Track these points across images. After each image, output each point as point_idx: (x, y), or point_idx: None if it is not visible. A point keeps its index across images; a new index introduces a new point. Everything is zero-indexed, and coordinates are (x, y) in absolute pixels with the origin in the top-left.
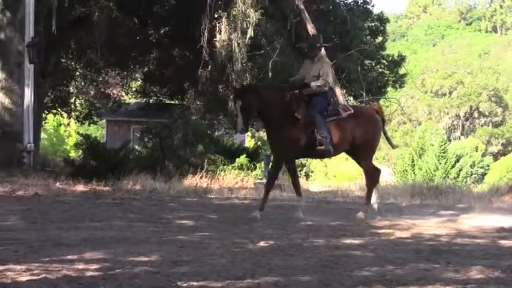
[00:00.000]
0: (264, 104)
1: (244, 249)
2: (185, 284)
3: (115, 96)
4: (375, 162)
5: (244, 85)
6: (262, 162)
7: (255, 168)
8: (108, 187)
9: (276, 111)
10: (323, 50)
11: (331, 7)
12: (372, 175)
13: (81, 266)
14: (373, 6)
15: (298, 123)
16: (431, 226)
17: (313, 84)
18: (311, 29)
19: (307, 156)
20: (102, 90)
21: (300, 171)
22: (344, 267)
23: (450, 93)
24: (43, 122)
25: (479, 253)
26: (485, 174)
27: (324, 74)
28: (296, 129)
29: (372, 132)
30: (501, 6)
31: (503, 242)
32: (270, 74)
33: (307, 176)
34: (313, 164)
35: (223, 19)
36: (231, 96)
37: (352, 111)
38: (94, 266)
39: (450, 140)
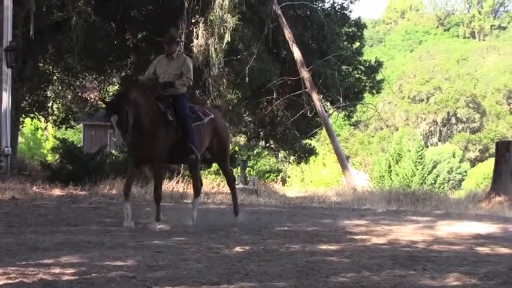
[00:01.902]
0: (138, 111)
1: (220, 255)
2: None
3: (92, 100)
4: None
5: (117, 97)
6: (239, 168)
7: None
8: (84, 191)
9: (150, 116)
10: None
11: (308, 12)
12: (234, 178)
13: (57, 270)
14: (350, 12)
15: (171, 126)
16: (408, 232)
17: (177, 82)
18: (288, 34)
19: (175, 162)
20: (80, 94)
21: (276, 176)
22: (320, 273)
23: (428, 99)
24: (20, 126)
25: (456, 260)
26: (463, 180)
27: (186, 71)
28: (171, 132)
29: (227, 135)
30: (479, 12)
31: (480, 248)
32: (247, 79)
33: (283, 181)
34: (290, 169)
35: (201, 24)
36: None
37: (213, 115)
38: (70, 270)
39: (427, 146)
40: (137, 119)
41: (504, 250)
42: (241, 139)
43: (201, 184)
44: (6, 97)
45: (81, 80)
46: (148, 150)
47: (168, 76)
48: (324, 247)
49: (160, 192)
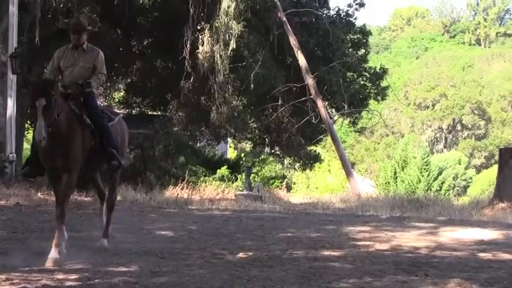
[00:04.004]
0: (58, 108)
1: (224, 261)
2: None
3: None
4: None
5: (45, 79)
6: (243, 174)
7: (236, 179)
8: (89, 198)
9: (65, 118)
10: None
11: (313, 19)
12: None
13: (60, 276)
14: (355, 19)
15: (88, 129)
16: (411, 238)
17: (94, 82)
18: (293, 41)
19: (94, 170)
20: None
21: (281, 182)
22: (322, 279)
23: (433, 105)
24: (26, 132)
25: (458, 266)
26: (468, 187)
27: (101, 66)
28: (88, 136)
29: (127, 137)
30: (485, 19)
31: (482, 254)
32: (252, 85)
33: (288, 188)
34: (295, 175)
35: (206, 31)
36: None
37: (122, 114)
38: (73, 276)
39: (433, 153)
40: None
41: (506, 256)
42: (247, 145)
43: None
44: (12, 103)
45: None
46: (65, 159)
47: (78, 71)
48: (326, 253)
49: (66, 209)
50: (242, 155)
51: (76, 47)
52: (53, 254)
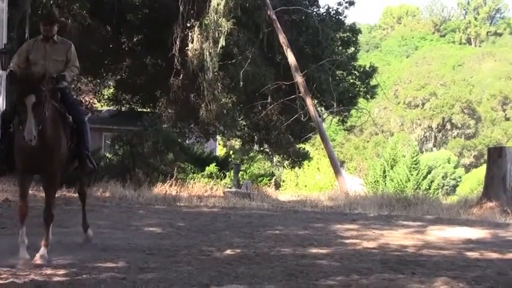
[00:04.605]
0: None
1: (211, 257)
2: None
3: (87, 103)
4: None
5: (32, 73)
6: (232, 171)
7: (225, 176)
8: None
9: (50, 116)
10: None
11: (303, 17)
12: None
13: (48, 271)
14: (345, 17)
15: (69, 129)
16: (398, 237)
17: (68, 75)
18: (283, 39)
19: (66, 171)
20: (75, 97)
21: (269, 180)
22: (309, 276)
23: (423, 104)
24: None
25: (445, 264)
26: (457, 186)
27: (74, 59)
28: (69, 135)
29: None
30: (475, 19)
31: (469, 253)
32: (242, 83)
33: (277, 185)
34: (284, 173)
35: (196, 28)
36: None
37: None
38: (61, 271)
39: (422, 152)
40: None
41: (493, 255)
42: (236, 143)
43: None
44: (1, 100)
45: (76, 82)
46: (50, 160)
47: (49, 64)
48: (314, 251)
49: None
50: (231, 152)
51: (47, 39)
52: (43, 254)
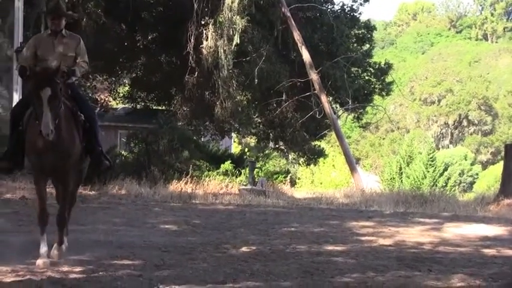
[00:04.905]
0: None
1: (227, 255)
2: None
3: (102, 101)
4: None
5: (46, 65)
6: (247, 168)
7: (240, 174)
8: (94, 191)
9: (64, 113)
10: None
11: (318, 14)
12: None
13: (65, 268)
14: (360, 14)
15: (81, 127)
16: (415, 234)
17: (78, 70)
18: (297, 36)
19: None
20: (90, 95)
21: (285, 177)
22: (325, 274)
23: (439, 101)
24: None
25: (462, 261)
26: (474, 183)
27: (83, 53)
28: (81, 131)
29: None
30: (492, 14)
31: (486, 250)
32: (256, 80)
33: (292, 182)
34: (300, 171)
35: (210, 26)
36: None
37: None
38: (78, 269)
39: (439, 149)
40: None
41: (510, 252)
42: (251, 140)
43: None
44: (17, 98)
45: (91, 80)
46: (64, 159)
47: (59, 59)
48: (330, 248)
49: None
50: (246, 149)
51: (55, 34)
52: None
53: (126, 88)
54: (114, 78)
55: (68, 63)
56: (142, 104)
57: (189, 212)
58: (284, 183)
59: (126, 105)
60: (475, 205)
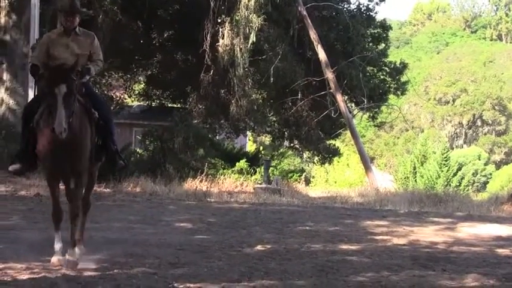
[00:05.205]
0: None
1: (242, 253)
2: (182, 286)
3: (118, 98)
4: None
5: (62, 62)
6: (262, 167)
7: (255, 172)
8: (109, 189)
9: (77, 111)
10: None
11: (334, 13)
12: None
13: (80, 266)
14: (376, 13)
15: (94, 125)
16: (429, 233)
17: (92, 67)
18: (313, 35)
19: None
20: (105, 92)
21: (299, 176)
22: (340, 273)
23: (453, 101)
24: None
25: (476, 261)
26: (488, 182)
27: (98, 52)
28: (95, 131)
29: None
30: (507, 15)
31: (500, 250)
32: (272, 79)
33: (307, 181)
34: (314, 169)
35: (226, 24)
36: (55, 80)
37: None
38: (93, 266)
39: (453, 148)
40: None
41: None
42: (266, 139)
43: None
44: (33, 94)
45: (107, 78)
46: (76, 159)
47: (72, 57)
48: (344, 247)
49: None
50: (261, 148)
51: (68, 31)
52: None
53: (142, 85)
54: (129, 76)
55: (82, 62)
56: (158, 101)
57: (204, 210)
58: (299, 182)
59: (142, 103)
60: (489, 205)
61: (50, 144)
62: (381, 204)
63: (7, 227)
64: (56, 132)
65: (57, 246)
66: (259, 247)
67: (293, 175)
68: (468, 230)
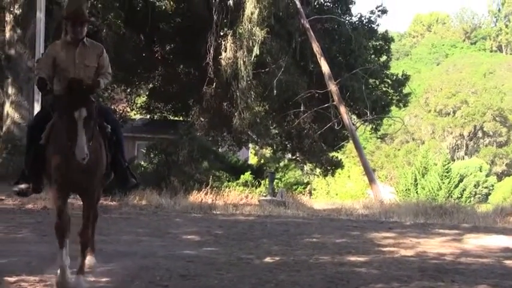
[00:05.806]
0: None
1: (251, 265)
2: None
3: (120, 112)
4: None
5: (81, 83)
6: (267, 179)
7: (260, 185)
8: (115, 202)
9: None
10: None
11: (336, 26)
12: None
13: (91, 279)
14: (378, 25)
15: (106, 142)
16: (436, 245)
17: (102, 81)
18: (316, 47)
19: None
20: (108, 105)
21: (304, 188)
22: (349, 284)
23: (454, 112)
24: None
25: (484, 272)
26: (489, 194)
27: (107, 65)
28: (107, 146)
29: None
30: (506, 26)
31: (508, 262)
32: (275, 91)
33: (310, 193)
34: (315, 181)
35: (229, 37)
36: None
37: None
38: (104, 279)
39: (454, 160)
40: None
41: None
42: (267, 151)
43: None
44: (38, 108)
45: (109, 91)
46: (89, 178)
47: (80, 70)
48: (352, 258)
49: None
50: (262, 160)
51: (75, 42)
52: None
53: (144, 99)
54: (131, 89)
55: (90, 75)
56: (160, 114)
57: (211, 223)
58: (303, 194)
59: (144, 116)
60: (494, 216)
61: (67, 166)
62: (386, 216)
63: (18, 240)
64: (77, 159)
65: (65, 262)
66: (268, 259)
67: (297, 187)
68: (475, 242)
